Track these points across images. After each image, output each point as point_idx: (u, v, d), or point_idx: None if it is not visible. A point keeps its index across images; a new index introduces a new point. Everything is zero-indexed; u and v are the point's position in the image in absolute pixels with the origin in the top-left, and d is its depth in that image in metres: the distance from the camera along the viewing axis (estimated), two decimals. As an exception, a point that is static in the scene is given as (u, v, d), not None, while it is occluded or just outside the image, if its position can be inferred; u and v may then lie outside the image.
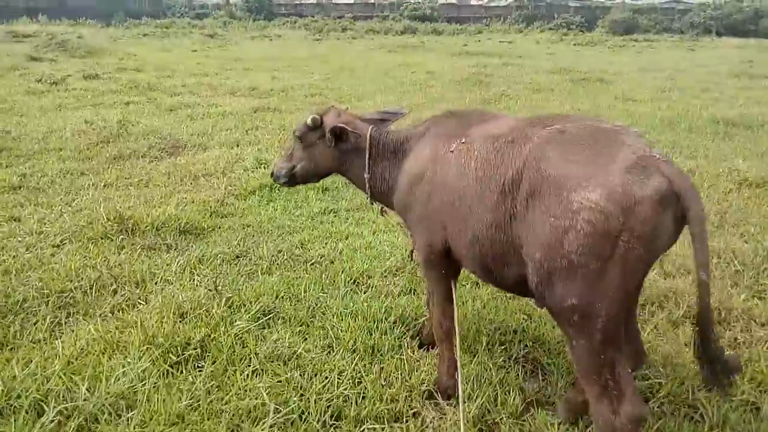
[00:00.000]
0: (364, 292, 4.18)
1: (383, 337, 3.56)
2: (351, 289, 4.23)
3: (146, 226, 5.07)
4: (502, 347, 3.50)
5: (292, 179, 3.49)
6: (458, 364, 2.86)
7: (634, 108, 12.12)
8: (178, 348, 3.21)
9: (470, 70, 17.95)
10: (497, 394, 3.07)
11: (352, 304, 3.93)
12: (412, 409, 2.99)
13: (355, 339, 3.49)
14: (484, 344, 3.49)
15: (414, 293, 4.21)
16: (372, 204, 3.49)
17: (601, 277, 2.13)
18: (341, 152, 3.28)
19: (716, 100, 13.31)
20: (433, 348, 3.41)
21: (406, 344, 3.52)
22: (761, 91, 14.71)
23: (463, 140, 2.74)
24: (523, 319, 3.81)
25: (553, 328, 3.66)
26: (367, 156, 3.20)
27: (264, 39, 35.79)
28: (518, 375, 3.27)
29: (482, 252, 2.60)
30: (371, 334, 3.57)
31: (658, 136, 9.57)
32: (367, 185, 3.26)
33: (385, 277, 4.44)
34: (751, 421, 2.88)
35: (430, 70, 18.50)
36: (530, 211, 2.31)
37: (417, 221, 2.98)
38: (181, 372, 3.08)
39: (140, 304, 3.80)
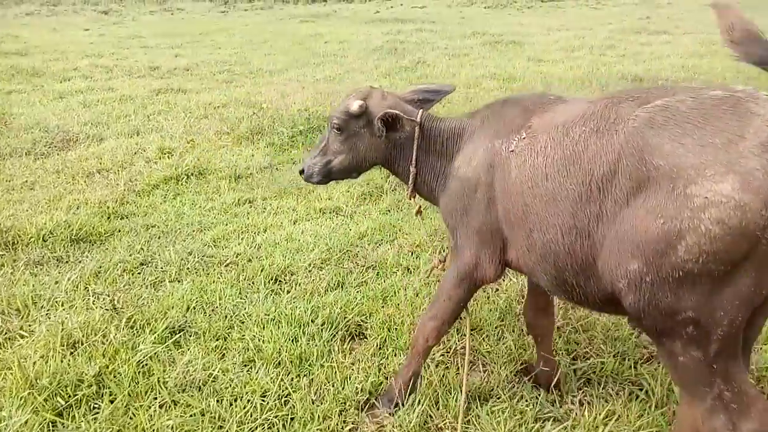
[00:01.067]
0: (288, 292, 3.82)
1: (310, 343, 3.23)
2: (272, 290, 3.86)
3: (30, 238, 4.43)
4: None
5: (328, 176, 2.99)
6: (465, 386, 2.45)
7: (547, 69, 12.23)
8: (68, 388, 2.74)
9: (384, 38, 17.53)
10: (438, 395, 2.84)
11: (274, 308, 3.56)
12: (347, 424, 2.71)
13: (280, 350, 3.15)
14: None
15: (342, 287, 3.90)
16: (411, 200, 3.00)
17: (728, 283, 1.75)
18: (391, 142, 2.82)
19: (622, 56, 13.68)
20: (547, 391, 2.93)
21: (336, 349, 3.22)
22: (660, 45, 15.27)
23: (524, 135, 2.33)
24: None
25: (491, 312, 3.48)
26: (415, 146, 2.76)
27: (164, 13, 33.45)
28: (458, 369, 3.06)
29: (559, 266, 2.19)
30: (297, 342, 3.24)
31: (572, 95, 9.66)
32: (411, 180, 2.84)
33: (310, 272, 4.10)
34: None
35: (344, 39, 17.92)
36: (626, 212, 1.89)
37: (470, 234, 2.55)
38: (72, 419, 2.61)
39: (21, 337, 3.25)
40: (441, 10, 32.03)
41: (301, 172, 3.01)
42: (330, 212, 5.16)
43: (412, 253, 4.32)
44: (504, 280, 3.83)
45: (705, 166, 1.69)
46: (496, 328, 3.35)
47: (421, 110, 2.82)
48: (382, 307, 3.61)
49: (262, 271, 4.06)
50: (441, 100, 3.04)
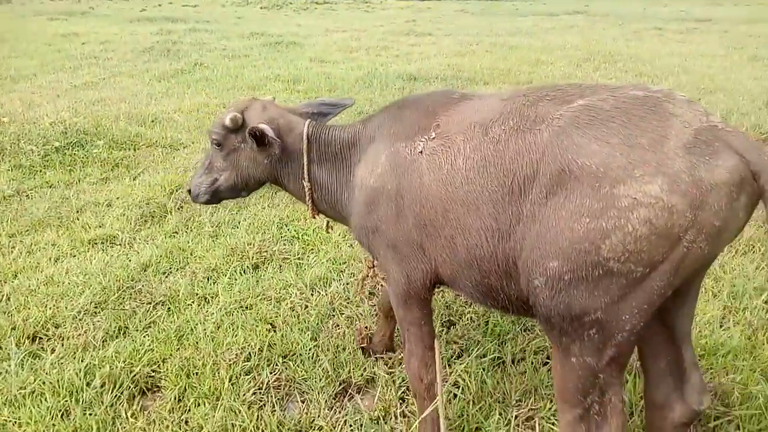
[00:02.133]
0: (52, 351, 3.08)
1: (88, 414, 2.61)
2: (30, 353, 3.07)
3: None
4: (249, 376, 2.91)
5: (216, 195, 2.75)
6: (442, 424, 2.08)
7: (329, 69, 12.37)
8: None
9: (154, 38, 16.08)
10: (253, 444, 2.50)
11: (32, 377, 2.82)
12: None
13: (44, 432, 2.48)
14: (227, 381, 2.84)
15: (125, 333, 3.28)
16: (315, 218, 2.75)
17: (642, 285, 1.72)
18: (273, 157, 2.57)
19: (396, 56, 14.50)
20: (385, 353, 3.00)
21: (123, 413, 2.65)
22: (427, 46, 16.58)
23: (433, 136, 2.15)
24: (267, 330, 3.26)
25: (302, 333, 3.22)
26: (305, 159, 2.53)
27: None
28: (274, 406, 2.74)
29: (483, 271, 2.04)
30: (69, 416, 2.59)
31: (356, 95, 9.88)
32: (308, 196, 2.59)
33: (81, 320, 3.37)
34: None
35: (106, 39, 15.98)
36: (546, 212, 1.80)
37: (385, 249, 2.32)
38: None
39: None
40: (215, 10, 30.70)
41: (189, 191, 2.80)
42: (102, 242, 4.38)
43: (208, 279, 3.84)
44: (313, 295, 3.60)
45: (633, 166, 1.66)
46: (309, 350, 3.10)
47: (308, 120, 2.60)
48: (178, 349, 3.10)
49: (12, 329, 3.22)
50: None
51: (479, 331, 3.18)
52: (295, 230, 4.45)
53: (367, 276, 2.92)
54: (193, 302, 3.55)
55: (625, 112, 1.75)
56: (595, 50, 14.79)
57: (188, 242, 4.32)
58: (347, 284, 3.69)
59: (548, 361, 2.95)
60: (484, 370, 2.88)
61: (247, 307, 3.49)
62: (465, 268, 2.09)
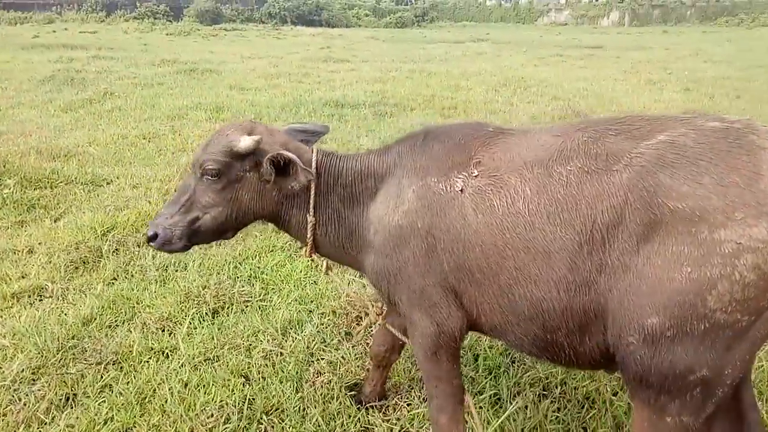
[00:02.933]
0: (-14, 433, 2.61)
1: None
2: (-42, 438, 2.59)
3: None
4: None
5: (194, 238, 2.31)
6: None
7: (252, 96, 12.04)
8: None
9: (54, 66, 14.96)
10: None
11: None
12: None
13: None
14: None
15: (73, 403, 2.85)
16: (310, 257, 2.43)
17: (747, 335, 1.61)
18: (282, 190, 2.26)
19: (318, 83, 14.41)
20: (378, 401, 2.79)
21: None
22: (346, 72, 16.64)
23: (476, 173, 1.98)
24: (242, 384, 2.95)
25: (284, 383, 2.95)
26: (312, 191, 2.27)
27: None
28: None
29: (550, 326, 1.87)
30: None
31: (284, 122, 9.62)
32: (309, 232, 2.31)
33: (16, 390, 2.90)
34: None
35: (-4, 68, 14.66)
36: (638, 261, 1.65)
37: (410, 294, 2.11)
38: None
39: None
40: (117, 37, 29.26)
41: (152, 238, 2.28)
42: (29, 295, 3.85)
43: (163, 330, 3.46)
44: (286, 341, 3.34)
45: (733, 208, 1.57)
46: (295, 403, 2.84)
47: (315, 147, 2.37)
48: (142, 415, 2.74)
49: (-68, 410, 2.71)
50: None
51: (470, 366, 3.07)
52: (251, 269, 4.16)
53: (374, 323, 2.70)
54: (150, 358, 3.17)
55: (711, 147, 1.67)
56: (509, 75, 15.51)
57: (132, 289, 3.90)
58: (321, 325, 3.46)
59: (546, 393, 2.88)
60: (483, 408, 2.77)
61: (214, 359, 3.16)
62: (523, 321, 1.93)
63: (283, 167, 2.18)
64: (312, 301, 3.73)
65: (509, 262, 1.87)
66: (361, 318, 3.48)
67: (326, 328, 3.43)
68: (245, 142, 2.16)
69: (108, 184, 6.12)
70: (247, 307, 3.70)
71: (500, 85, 13.85)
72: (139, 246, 4.52)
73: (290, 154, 2.15)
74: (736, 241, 1.55)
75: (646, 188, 1.67)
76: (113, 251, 4.46)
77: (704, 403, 1.70)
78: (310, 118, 10.14)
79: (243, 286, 3.92)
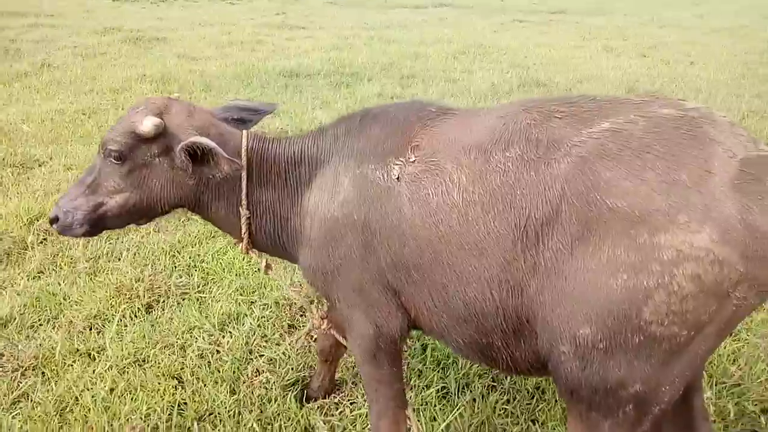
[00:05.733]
0: None
1: None
2: None
3: None
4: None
5: (98, 224, 2.08)
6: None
7: (202, 66, 11.49)
8: None
9: (-14, 35, 13.96)
10: None
11: None
12: None
13: None
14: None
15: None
16: (247, 254, 2.21)
17: (686, 350, 1.47)
18: (200, 177, 2.01)
19: (272, 52, 13.86)
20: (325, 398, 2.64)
21: None
22: (302, 40, 16.04)
23: (412, 159, 1.80)
24: (173, 388, 2.75)
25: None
26: (244, 180, 2.04)
27: None
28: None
29: (485, 328, 1.72)
30: None
31: (235, 93, 9.24)
32: (244, 227, 2.09)
33: None
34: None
35: None
36: (572, 264, 1.49)
37: (347, 293, 1.95)
38: None
39: None
40: (57, 2, 27.52)
41: (54, 220, 2.08)
42: (-58, 294, 3.53)
43: (90, 329, 3.21)
44: (224, 337, 3.13)
45: (676, 209, 1.40)
46: (230, 407, 2.66)
47: (245, 131, 2.12)
48: (61, 428, 2.52)
49: None
50: None
51: (418, 358, 2.94)
52: (190, 258, 3.91)
53: (317, 329, 2.51)
54: (74, 362, 2.93)
55: (660, 138, 1.49)
56: (469, 43, 15.23)
57: (59, 284, 3.61)
58: (262, 318, 3.27)
59: (494, 385, 2.78)
60: (429, 404, 2.64)
61: (144, 360, 2.94)
62: (459, 322, 1.77)
63: (201, 155, 1.93)
64: (254, 292, 3.52)
65: (443, 258, 1.72)
66: (303, 310, 3.30)
67: (267, 321, 3.24)
68: (146, 126, 1.92)
69: (40, 165, 5.69)
70: (183, 300, 3.47)
71: (460, 53, 13.60)
72: (69, 235, 4.20)
73: (208, 142, 1.91)
74: (677, 248, 1.39)
75: (584, 182, 1.50)
76: (40, 241, 4.14)
77: (639, 420, 1.58)
78: (263, 89, 9.73)
79: (180, 277, 3.67)
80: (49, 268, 3.84)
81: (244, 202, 2.07)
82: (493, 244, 1.62)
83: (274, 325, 3.21)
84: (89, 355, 3.00)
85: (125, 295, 3.44)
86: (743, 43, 15.01)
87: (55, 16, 20.01)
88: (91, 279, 3.67)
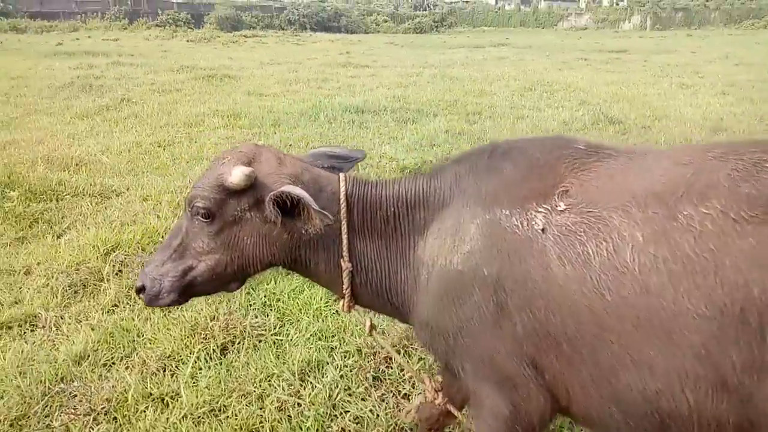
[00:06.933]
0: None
1: None
2: None
3: None
4: None
5: (187, 292, 1.89)
6: None
7: (270, 103, 11.70)
8: None
9: (73, 72, 14.82)
10: None
11: None
12: None
13: None
14: None
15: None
16: (349, 312, 1.94)
17: None
18: (298, 233, 1.80)
19: (338, 89, 14.03)
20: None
21: None
22: (366, 78, 16.24)
23: (562, 207, 1.48)
24: (251, 441, 2.50)
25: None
26: (344, 229, 1.80)
27: None
28: None
29: (671, 429, 1.36)
30: None
31: (303, 129, 9.26)
32: (346, 282, 1.84)
33: (-8, 448, 2.50)
34: None
35: (18, 75, 14.56)
36: None
37: (476, 361, 1.63)
38: None
39: None
40: (138, 43, 29.29)
41: (140, 289, 1.90)
42: (20, 325, 3.46)
43: (164, 371, 3.04)
44: (304, 388, 2.87)
45: None
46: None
47: (342, 174, 1.89)
48: (134, 484, 2.31)
49: None
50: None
51: None
52: (266, 296, 3.72)
53: (431, 401, 2.19)
54: (147, 407, 2.74)
55: None
56: (533, 80, 14.97)
57: (133, 319, 3.48)
58: (344, 368, 3.00)
59: None
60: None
61: (220, 410, 2.73)
62: (633, 417, 1.42)
63: (292, 206, 1.72)
64: (333, 336, 3.27)
65: (611, 335, 1.37)
66: (389, 359, 3.01)
67: (351, 371, 2.97)
68: (235, 176, 1.73)
69: (117, 195, 5.75)
70: (260, 342, 3.26)
71: (525, 90, 13.34)
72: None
73: (298, 192, 1.69)
74: None
75: None
76: (116, 273, 4.07)
77: None
78: (330, 124, 9.74)
79: (256, 317, 3.47)
80: (123, 302, 3.73)
81: (345, 254, 1.84)
82: (688, 328, 1.28)
83: (358, 377, 2.94)
84: (162, 400, 2.81)
85: (200, 334, 3.27)
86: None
87: (135, 55, 21.20)
88: (165, 315, 3.53)
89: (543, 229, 1.49)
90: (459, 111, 10.85)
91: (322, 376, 2.93)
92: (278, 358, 3.07)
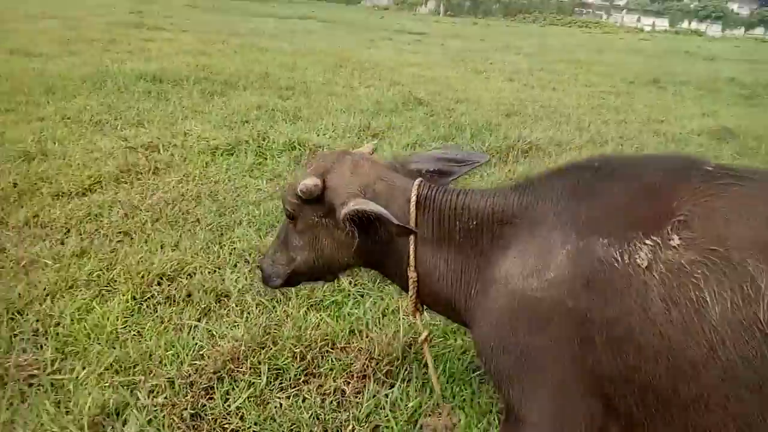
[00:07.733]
0: None
1: None
2: None
3: None
4: None
5: (293, 278, 2.12)
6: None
7: (41, 65, 9.84)
8: None
9: None
10: None
11: None
12: None
13: None
14: None
15: None
16: (414, 318, 1.97)
17: None
18: (370, 240, 1.80)
19: (130, 53, 12.34)
20: None
21: None
22: (163, 42, 14.55)
23: (676, 241, 1.22)
24: None
25: None
26: (412, 239, 1.76)
27: None
28: None
29: None
30: None
31: (86, 100, 7.88)
32: (411, 289, 1.82)
33: None
34: None
35: None
36: None
37: (544, 403, 1.41)
38: None
39: None
40: None
41: (260, 269, 2.21)
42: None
43: None
44: None
45: None
46: None
47: (419, 180, 1.85)
48: None
49: None
50: None
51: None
52: (38, 319, 2.87)
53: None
54: None
55: None
56: (345, 57, 14.91)
57: None
58: (155, 409, 2.40)
59: None
60: None
61: None
62: None
63: (367, 218, 1.72)
64: (136, 366, 2.60)
65: (717, 400, 1.18)
66: (212, 391, 2.49)
67: (161, 412, 2.37)
68: (302, 188, 1.84)
69: None
70: (30, 387, 2.45)
71: (337, 66, 13.19)
72: None
73: (374, 208, 1.68)
74: None
75: None
76: None
77: None
78: (120, 93, 8.45)
79: (24, 351, 2.62)
80: None
81: (412, 262, 1.82)
82: None
83: (172, 418, 2.36)
84: None
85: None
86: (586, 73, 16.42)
87: None
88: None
89: (647, 267, 1.27)
90: (271, 85, 10.25)
91: (123, 425, 2.30)
92: (58, 408, 2.34)
